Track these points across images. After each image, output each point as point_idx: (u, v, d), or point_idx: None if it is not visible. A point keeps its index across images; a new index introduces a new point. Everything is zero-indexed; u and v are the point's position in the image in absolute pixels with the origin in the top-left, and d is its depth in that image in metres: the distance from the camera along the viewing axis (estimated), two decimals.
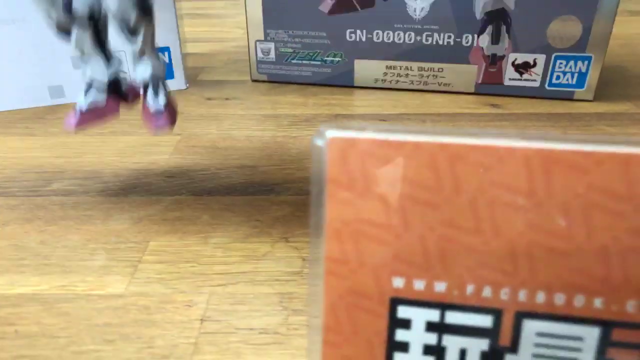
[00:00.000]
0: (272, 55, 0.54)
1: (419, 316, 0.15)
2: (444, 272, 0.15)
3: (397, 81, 0.52)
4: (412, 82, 0.52)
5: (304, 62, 0.53)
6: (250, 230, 0.31)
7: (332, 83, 0.54)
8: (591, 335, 0.14)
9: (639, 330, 0.14)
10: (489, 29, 0.48)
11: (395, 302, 0.15)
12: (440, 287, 0.15)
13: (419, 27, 0.49)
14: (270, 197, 0.34)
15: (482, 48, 0.48)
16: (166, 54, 0.52)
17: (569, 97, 0.49)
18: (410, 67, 0.51)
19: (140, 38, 0.29)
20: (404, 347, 0.16)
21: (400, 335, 0.15)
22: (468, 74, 0.50)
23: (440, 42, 0.49)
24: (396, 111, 0.48)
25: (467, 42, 0.49)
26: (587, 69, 0.47)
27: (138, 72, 0.30)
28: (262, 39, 0.53)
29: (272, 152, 0.40)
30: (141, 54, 0.29)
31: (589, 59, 0.47)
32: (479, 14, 0.47)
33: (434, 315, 0.15)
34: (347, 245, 0.15)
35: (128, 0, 0.27)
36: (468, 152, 0.14)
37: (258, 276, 0.28)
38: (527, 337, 0.15)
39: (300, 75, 0.54)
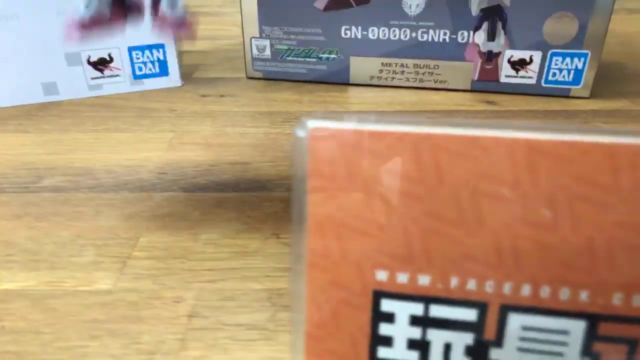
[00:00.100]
0: (268, 52, 0.53)
1: (403, 310, 0.15)
2: (428, 264, 0.15)
3: (393, 78, 0.52)
4: (407, 79, 0.51)
5: (299, 59, 0.53)
6: (241, 227, 0.31)
7: (328, 80, 0.53)
8: (577, 328, 0.14)
9: (626, 323, 0.14)
10: (485, 25, 0.47)
11: (378, 295, 0.15)
12: (424, 280, 0.15)
13: (415, 23, 0.49)
14: (262, 194, 0.34)
15: (478, 45, 0.48)
16: (161, 51, 0.51)
17: (565, 94, 0.49)
18: (406, 64, 0.51)
19: None
20: (388, 341, 0.15)
21: (384, 329, 0.15)
22: (464, 70, 0.50)
23: (436, 39, 0.49)
24: (392, 108, 0.47)
25: (462, 39, 0.48)
26: (584, 66, 0.47)
27: None
28: (258, 35, 0.53)
29: (265, 149, 0.40)
30: None
31: (585, 56, 0.47)
32: (474, 10, 0.47)
33: (418, 308, 0.15)
34: (330, 238, 0.15)
35: None
36: (452, 143, 0.14)
37: (248, 272, 0.27)
38: (512, 331, 0.14)
39: (296, 72, 0.54)
